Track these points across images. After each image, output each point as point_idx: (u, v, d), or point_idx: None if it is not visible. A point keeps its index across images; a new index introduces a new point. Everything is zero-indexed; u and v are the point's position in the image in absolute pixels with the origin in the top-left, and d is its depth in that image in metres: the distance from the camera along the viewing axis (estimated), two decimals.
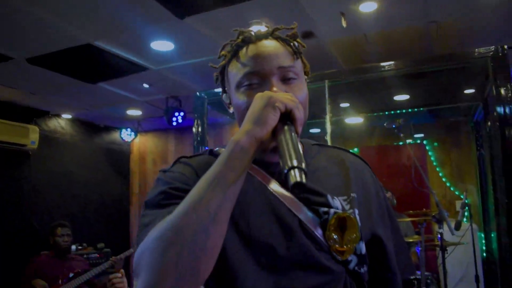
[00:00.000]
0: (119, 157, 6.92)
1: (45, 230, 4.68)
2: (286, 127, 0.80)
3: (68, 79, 4.24)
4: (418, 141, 5.85)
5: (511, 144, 2.98)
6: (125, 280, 2.28)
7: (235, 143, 0.79)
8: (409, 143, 5.59)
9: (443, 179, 5.71)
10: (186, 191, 0.81)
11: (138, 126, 6.31)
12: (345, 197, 0.99)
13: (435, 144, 5.81)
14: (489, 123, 3.89)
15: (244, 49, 0.96)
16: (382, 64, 3.40)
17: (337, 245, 0.93)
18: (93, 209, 6.16)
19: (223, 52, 1.01)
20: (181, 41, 3.53)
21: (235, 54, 0.98)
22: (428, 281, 3.65)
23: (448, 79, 3.86)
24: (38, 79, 4.31)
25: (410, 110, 4.78)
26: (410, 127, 3.72)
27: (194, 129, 3.99)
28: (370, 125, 5.28)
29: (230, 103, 1.02)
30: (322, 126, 3.81)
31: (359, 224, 0.95)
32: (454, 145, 5.77)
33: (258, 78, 0.93)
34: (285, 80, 0.93)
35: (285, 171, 0.72)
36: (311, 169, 0.94)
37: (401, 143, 5.46)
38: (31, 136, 5.30)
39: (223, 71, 1.03)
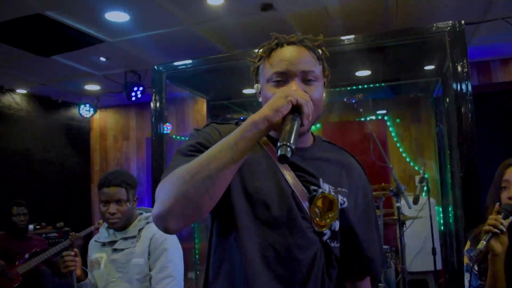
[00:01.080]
0: (79, 134, 6.73)
1: (2, 209, 4.53)
2: (291, 116, 1.01)
3: (20, 51, 4.04)
4: (380, 117, 5.92)
5: (467, 119, 3.03)
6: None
7: (251, 120, 1.01)
8: (370, 119, 5.66)
9: (403, 154, 5.83)
10: (208, 148, 1.05)
11: (97, 102, 6.12)
12: (333, 187, 1.23)
13: (397, 120, 5.89)
14: (447, 99, 3.96)
15: (277, 51, 1.19)
16: (342, 38, 3.38)
17: (317, 219, 1.17)
18: (52, 187, 5.99)
19: (259, 52, 1.23)
20: (136, 12, 3.40)
21: (269, 54, 1.20)
22: (387, 254, 3.75)
23: (407, 54, 3.87)
24: None
25: (371, 85, 4.81)
26: (369, 102, 3.73)
27: (152, 104, 3.88)
28: (331, 100, 5.27)
29: (259, 93, 1.25)
30: None
31: (339, 206, 1.20)
32: (414, 120, 5.87)
33: (284, 77, 1.15)
34: (306, 81, 1.16)
35: (278, 145, 0.95)
36: (315, 157, 1.25)
37: (362, 119, 5.53)
38: None
39: (258, 67, 1.25)
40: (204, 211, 1.03)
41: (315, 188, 1.19)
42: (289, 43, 1.20)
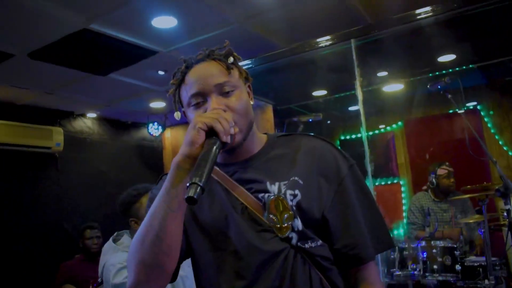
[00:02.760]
0: (151, 153, 6.69)
1: (77, 233, 4.53)
2: (209, 141, 0.99)
3: (76, 72, 4.00)
4: (471, 107, 5.16)
5: None
6: None
7: (173, 163, 1.02)
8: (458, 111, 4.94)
9: (504, 148, 5.01)
10: None
11: (165, 120, 6.03)
12: (286, 182, 1.14)
13: (491, 112, 5.11)
14: None
15: (188, 74, 1.16)
16: (417, 11, 2.85)
17: (277, 225, 1.10)
18: None
19: (172, 81, 1.21)
20: (183, 15, 3.17)
21: (183, 79, 1.17)
22: (497, 267, 3.10)
23: (501, 24, 3.23)
24: (48, 76, 4.10)
25: (457, 68, 4.15)
26: (461, 90, 3.12)
27: None
28: (412, 92, 4.66)
29: (178, 119, 1.22)
30: (353, 99, 3.30)
31: (290, 203, 1.11)
32: None
33: (201, 97, 1.12)
34: (224, 93, 1.12)
35: (187, 184, 0.91)
36: (263, 160, 1.19)
37: (450, 111, 4.84)
38: (55, 138, 5.15)
39: (175, 95, 1.22)
40: (170, 267, 1.06)
41: (263, 195, 1.13)
42: (197, 62, 1.17)
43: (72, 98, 5.02)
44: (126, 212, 2.06)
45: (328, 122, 5.92)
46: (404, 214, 4.98)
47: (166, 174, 1.15)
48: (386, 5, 3.09)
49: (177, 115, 1.21)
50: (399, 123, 5.29)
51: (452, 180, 3.81)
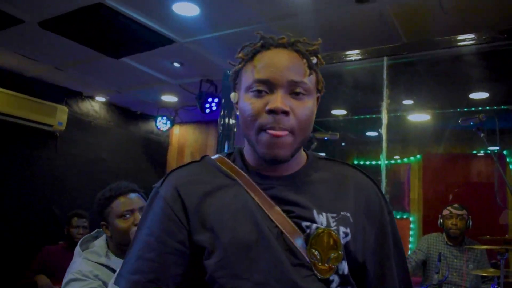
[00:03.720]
0: (156, 148, 6.48)
1: (64, 218, 4.34)
2: None
3: (88, 50, 3.80)
4: (496, 151, 4.86)
5: None
6: None
7: None
8: (490, 152, 4.64)
9: None
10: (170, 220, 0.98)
11: (175, 115, 5.82)
12: (334, 214, 0.98)
13: None
14: None
15: (261, 54, 0.98)
16: (460, 37, 2.60)
17: (319, 263, 0.93)
18: None
19: (240, 55, 1.03)
20: (206, 4, 2.95)
21: (252, 57, 0.99)
22: None
23: None
24: (58, 50, 3.92)
25: (488, 108, 3.87)
26: (497, 129, 2.86)
27: (219, 119, 3.35)
28: (437, 126, 4.39)
29: (237, 103, 1.04)
30: (374, 124, 3.05)
31: (342, 242, 0.95)
32: None
33: (267, 87, 0.95)
34: (293, 94, 0.96)
35: None
36: (307, 182, 1.02)
37: (474, 151, 4.56)
38: (59, 117, 4.96)
39: (237, 71, 1.04)
40: None
41: (308, 224, 0.95)
42: (277, 46, 0.99)
43: (83, 78, 4.85)
44: (99, 213, 1.81)
45: (343, 144, 5.67)
46: (409, 252, 4.69)
47: (173, 169, 1.06)
48: (426, 27, 2.84)
49: (234, 96, 1.05)
50: (418, 156, 5.01)
51: (454, 221, 3.51)
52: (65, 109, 5.07)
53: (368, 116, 4.16)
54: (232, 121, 3.46)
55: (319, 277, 0.92)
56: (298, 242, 0.93)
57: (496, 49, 2.72)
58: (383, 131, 2.68)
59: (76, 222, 4.08)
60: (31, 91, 4.76)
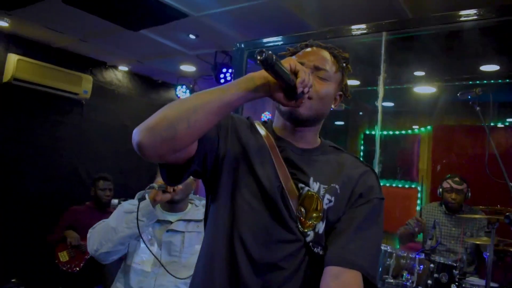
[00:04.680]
0: None
1: (91, 181, 4.63)
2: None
3: (108, 24, 3.99)
4: (507, 124, 4.86)
5: None
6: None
7: (249, 75, 1.11)
8: (494, 125, 4.66)
9: None
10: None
11: (194, 84, 6.01)
12: (326, 186, 1.21)
13: None
14: None
15: (305, 49, 1.29)
16: (462, 12, 2.65)
17: (302, 218, 1.17)
18: (143, 166, 6.03)
19: (292, 49, 1.34)
20: None
21: (296, 51, 1.32)
22: None
23: None
24: (81, 24, 4.12)
25: (500, 81, 3.89)
26: (491, 102, 2.93)
27: None
28: (448, 98, 4.42)
29: None
30: (389, 93, 3.13)
31: (325, 207, 1.18)
32: None
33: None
34: (317, 74, 1.23)
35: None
36: (314, 159, 1.27)
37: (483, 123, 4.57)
38: (84, 85, 5.23)
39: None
40: (179, 140, 1.04)
41: (303, 186, 1.19)
42: (316, 45, 1.30)
43: (106, 49, 5.06)
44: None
45: (361, 113, 5.75)
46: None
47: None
48: (428, 2, 2.89)
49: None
50: (428, 127, 5.07)
51: (453, 196, 3.63)
52: (90, 78, 5.32)
53: (366, 88, 4.22)
54: None
55: (300, 229, 1.16)
56: (293, 201, 1.17)
57: (500, 24, 2.76)
58: (379, 103, 2.80)
59: (103, 185, 4.39)
60: (58, 62, 5.02)
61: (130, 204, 2.15)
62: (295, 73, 1.08)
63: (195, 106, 1.04)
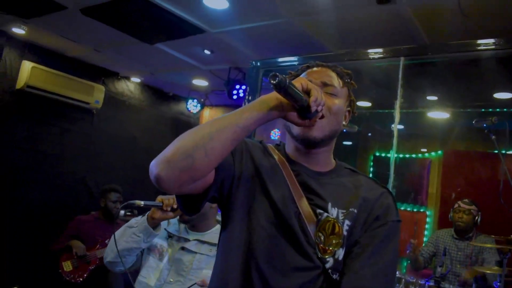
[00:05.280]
0: (186, 129, 6.51)
1: (98, 191, 4.61)
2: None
3: (124, 36, 4.03)
4: None
5: None
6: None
7: (262, 97, 1.11)
8: (505, 153, 4.63)
9: None
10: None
11: (205, 99, 6.03)
12: (344, 211, 1.19)
13: None
14: None
15: (311, 69, 1.30)
16: (479, 41, 2.66)
17: (321, 244, 1.14)
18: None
19: (293, 72, 1.35)
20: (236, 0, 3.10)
21: (298, 74, 1.31)
22: None
23: None
24: (97, 34, 4.17)
25: None
26: (507, 130, 2.93)
27: (243, 104, 3.53)
28: (459, 123, 4.42)
29: None
30: (392, 118, 3.14)
31: (345, 233, 1.16)
32: None
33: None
34: (326, 91, 1.23)
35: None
36: (331, 181, 1.25)
37: (496, 151, 4.55)
38: (96, 95, 5.26)
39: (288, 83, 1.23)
40: (197, 169, 1.03)
41: (321, 212, 1.17)
42: (321, 66, 1.30)
43: (119, 60, 5.10)
44: None
45: (369, 134, 5.73)
46: (423, 245, 4.77)
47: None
48: (446, 29, 2.90)
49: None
50: (439, 152, 5.04)
51: (461, 215, 3.60)
52: (102, 88, 5.35)
53: (387, 111, 4.23)
54: None
55: (319, 256, 1.14)
56: (311, 227, 1.15)
57: None
58: (395, 128, 2.79)
59: (114, 197, 4.36)
60: (71, 70, 5.05)
61: (135, 219, 2.16)
62: (307, 92, 1.08)
63: (210, 133, 1.03)
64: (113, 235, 2.13)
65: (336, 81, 1.25)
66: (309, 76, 1.25)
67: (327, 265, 1.14)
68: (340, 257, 1.15)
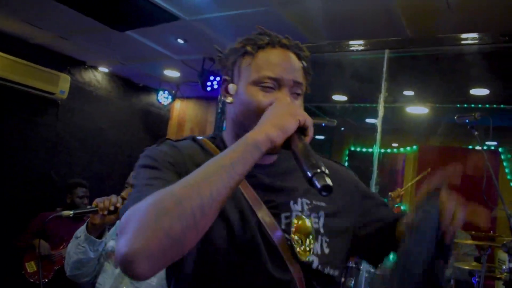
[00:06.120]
0: (156, 121, 6.51)
1: (64, 185, 4.40)
2: (298, 136, 0.90)
3: (93, 22, 3.80)
4: (492, 148, 4.91)
5: None
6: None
7: (251, 140, 0.87)
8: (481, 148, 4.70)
9: None
10: (174, 170, 0.97)
11: (176, 91, 5.84)
12: (308, 201, 1.07)
13: (509, 156, 4.85)
14: None
15: (266, 50, 1.04)
16: (463, 35, 2.61)
17: (301, 248, 1.01)
18: (117, 171, 5.80)
19: (242, 43, 1.06)
20: None
21: (256, 52, 1.04)
22: None
23: None
24: (63, 20, 3.93)
25: (487, 105, 3.90)
26: (490, 128, 2.91)
27: (219, 97, 3.39)
28: (435, 119, 4.43)
29: (230, 94, 1.08)
30: (373, 112, 3.09)
31: (315, 226, 1.05)
32: None
33: (274, 83, 1.02)
34: (293, 93, 1.04)
35: (311, 175, 0.82)
36: (285, 170, 1.09)
37: (470, 146, 4.61)
38: (61, 85, 4.97)
39: (235, 61, 1.08)
40: (187, 248, 0.82)
41: (287, 214, 1.03)
42: (281, 45, 1.05)
43: (86, 48, 4.85)
44: None
45: (342, 129, 5.71)
46: None
47: (170, 139, 1.09)
48: (431, 23, 2.85)
49: (234, 88, 1.07)
50: (414, 147, 5.06)
51: None
52: (68, 77, 5.07)
53: (368, 105, 4.19)
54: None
55: (302, 260, 0.99)
56: (277, 235, 0.99)
57: (498, 50, 2.75)
58: (379, 123, 2.72)
59: (80, 192, 4.15)
60: (35, 58, 4.76)
61: (80, 229, 2.02)
62: (303, 128, 0.91)
63: (201, 207, 0.79)
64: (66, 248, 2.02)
65: (303, 74, 1.06)
66: (279, 68, 1.02)
67: (314, 265, 1.01)
68: (326, 250, 1.03)
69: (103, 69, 5.62)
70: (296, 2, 2.97)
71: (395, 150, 5.32)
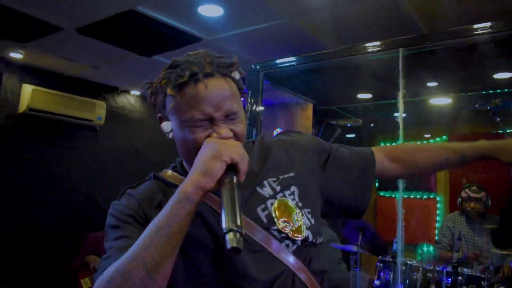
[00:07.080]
0: None
1: (108, 206, 4.63)
2: (227, 179, 0.88)
3: (122, 51, 4.04)
4: None
5: None
6: None
7: (182, 193, 0.87)
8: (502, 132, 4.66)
9: None
10: (134, 222, 1.03)
11: None
12: (274, 178, 1.10)
13: None
14: None
15: (190, 86, 0.98)
16: (476, 26, 2.67)
17: (292, 230, 1.03)
18: None
19: (163, 82, 1.04)
20: (230, 5, 3.11)
21: (179, 89, 0.99)
22: None
23: None
24: (94, 52, 4.18)
25: None
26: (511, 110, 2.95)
27: (246, 107, 3.56)
28: (461, 108, 4.43)
29: (170, 132, 1.09)
30: (395, 108, 3.16)
31: (293, 202, 1.07)
32: None
33: (207, 121, 0.99)
34: (229, 118, 1.01)
35: (225, 230, 0.79)
36: (264, 157, 1.15)
37: (500, 131, 4.56)
38: (98, 111, 5.27)
39: (162, 101, 1.07)
40: None
41: (263, 206, 1.05)
42: (205, 76, 0.98)
43: (118, 75, 5.10)
44: None
45: (372, 125, 5.75)
46: (436, 231, 4.79)
47: (131, 187, 1.13)
48: (443, 16, 2.92)
49: (168, 126, 1.08)
50: (444, 137, 5.06)
51: (472, 205, 3.63)
52: (103, 104, 5.37)
53: (393, 101, 4.26)
54: (259, 108, 3.66)
55: (299, 239, 1.03)
56: (259, 235, 1.01)
57: None
58: (400, 119, 2.81)
59: None
60: (71, 89, 5.07)
61: None
62: (233, 165, 0.90)
63: (148, 273, 0.85)
64: None
65: (237, 97, 1.04)
66: (207, 106, 0.97)
67: (309, 240, 1.06)
68: (309, 223, 1.07)
69: (135, 92, 5.89)
70: (308, 12, 3.09)
71: (425, 141, 5.32)
